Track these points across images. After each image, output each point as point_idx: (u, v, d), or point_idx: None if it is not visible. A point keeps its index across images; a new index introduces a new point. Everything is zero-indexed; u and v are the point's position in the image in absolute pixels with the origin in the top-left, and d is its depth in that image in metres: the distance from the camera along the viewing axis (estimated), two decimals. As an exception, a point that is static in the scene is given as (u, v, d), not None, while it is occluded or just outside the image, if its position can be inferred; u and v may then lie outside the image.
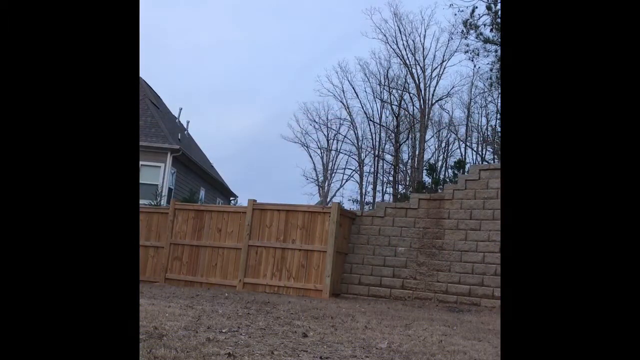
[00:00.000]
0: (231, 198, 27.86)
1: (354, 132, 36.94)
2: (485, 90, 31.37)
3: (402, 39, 33.56)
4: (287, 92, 58.60)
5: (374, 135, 35.61)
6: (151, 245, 11.88)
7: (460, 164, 25.04)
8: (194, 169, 21.62)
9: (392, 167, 33.66)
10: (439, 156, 35.24)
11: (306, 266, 10.62)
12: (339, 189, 38.87)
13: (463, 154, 34.00)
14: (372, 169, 35.68)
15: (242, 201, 27.58)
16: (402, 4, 53.45)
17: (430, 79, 33.09)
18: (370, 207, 31.28)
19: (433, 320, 7.09)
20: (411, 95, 33.73)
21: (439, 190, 19.69)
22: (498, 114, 30.87)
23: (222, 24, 64.32)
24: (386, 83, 34.68)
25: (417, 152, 32.37)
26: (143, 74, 25.71)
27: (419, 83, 33.02)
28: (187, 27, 64.50)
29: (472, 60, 28.44)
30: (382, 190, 35.22)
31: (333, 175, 39.32)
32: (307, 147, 39.31)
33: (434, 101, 33.26)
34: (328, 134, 39.07)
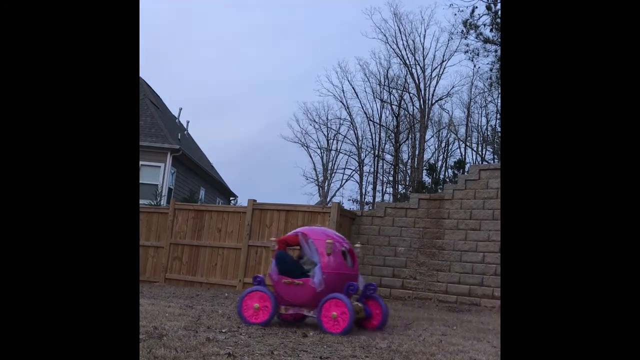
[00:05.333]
0: (231, 198, 27.86)
1: (354, 132, 36.95)
2: (485, 90, 31.40)
3: (402, 39, 33.57)
4: (287, 92, 58.63)
5: (373, 135, 35.62)
6: (151, 245, 11.87)
7: (460, 164, 25.02)
8: (194, 169, 21.63)
9: (392, 167, 33.65)
10: (439, 156, 35.27)
11: (306, 266, 10.61)
12: (339, 189, 38.85)
13: (463, 154, 34.03)
14: (372, 169, 35.68)
15: (242, 201, 27.60)
16: (402, 4, 53.58)
17: (430, 79, 33.09)
18: (370, 207, 31.29)
19: (433, 320, 7.09)
20: (411, 95, 33.74)
21: (439, 190, 19.67)
22: (498, 114, 30.89)
23: (222, 26, 64.35)
24: (386, 83, 34.68)
25: (417, 152, 32.37)
26: (144, 75, 25.72)
27: (419, 83, 33.02)
28: (189, 42, 64.51)
29: (472, 60, 28.51)
30: (382, 190, 35.24)
31: (333, 175, 39.30)
32: (307, 147, 39.31)
33: (433, 101, 33.26)
34: (328, 134, 39.06)
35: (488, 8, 21.07)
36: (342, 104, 40.08)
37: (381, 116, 35.38)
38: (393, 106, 34.37)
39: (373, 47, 64.68)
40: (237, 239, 11.18)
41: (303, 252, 5.52)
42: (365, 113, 36.03)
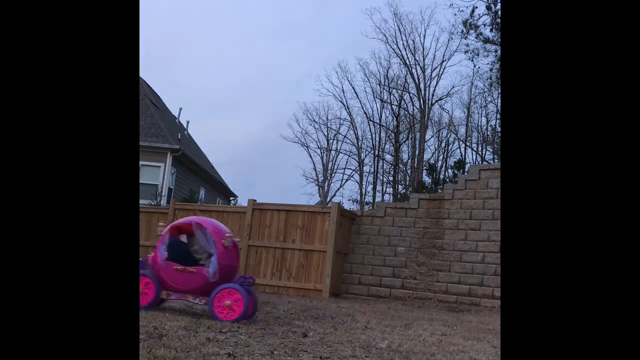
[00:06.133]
0: (231, 198, 27.87)
1: (354, 132, 36.96)
2: (485, 90, 31.42)
3: (402, 39, 33.59)
4: (287, 93, 58.63)
5: (373, 135, 35.63)
6: (151, 245, 11.85)
7: (460, 164, 25.03)
8: (194, 169, 21.63)
9: (392, 167, 33.66)
10: (439, 156, 35.28)
11: (306, 266, 10.61)
12: (339, 189, 38.87)
13: (463, 154, 34.04)
14: (372, 169, 35.70)
15: (242, 201, 27.60)
16: (402, 4, 53.70)
17: (430, 79, 33.11)
18: (370, 207, 31.27)
19: (433, 320, 7.09)
20: (411, 95, 33.76)
21: (439, 190, 19.67)
22: (498, 114, 30.90)
23: (221, 28, 64.33)
24: (386, 83, 34.69)
25: (417, 152, 32.38)
26: (144, 75, 25.71)
27: (419, 83, 33.03)
28: (189, 42, 64.49)
29: (472, 60, 28.47)
30: (382, 190, 35.25)
31: (333, 175, 39.31)
32: (307, 147, 39.32)
33: (433, 101, 33.28)
34: (328, 134, 39.08)
35: (488, 8, 21.08)
36: (342, 104, 40.10)
37: (381, 116, 35.41)
38: (393, 106, 34.39)
39: (373, 47, 64.63)
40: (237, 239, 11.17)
41: (195, 240, 5.65)
42: (365, 113, 36.06)
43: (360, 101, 51.88)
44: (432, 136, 35.05)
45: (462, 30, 23.76)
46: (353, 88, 39.02)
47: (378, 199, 33.78)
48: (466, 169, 23.77)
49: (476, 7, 22.56)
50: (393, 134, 34.08)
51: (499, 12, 19.70)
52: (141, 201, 14.98)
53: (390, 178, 34.29)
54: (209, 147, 52.52)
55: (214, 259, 5.41)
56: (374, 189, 35.02)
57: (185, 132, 24.12)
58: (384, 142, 35.25)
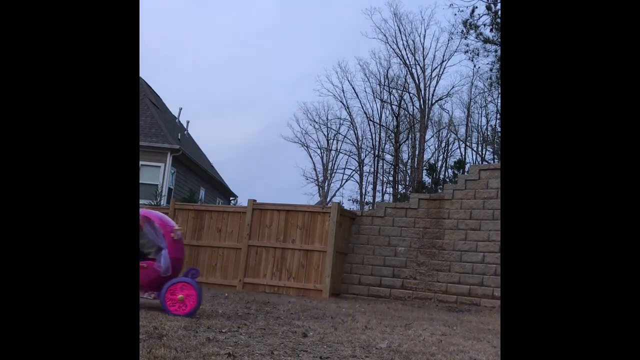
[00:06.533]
0: (231, 198, 27.88)
1: (354, 132, 36.97)
2: (485, 90, 31.43)
3: (402, 39, 33.62)
4: (287, 93, 58.64)
5: (374, 135, 35.65)
6: (151, 245, 11.87)
7: (460, 164, 25.05)
8: (194, 169, 21.63)
9: (392, 167, 33.67)
10: (439, 156, 35.30)
11: (306, 266, 10.62)
12: (339, 189, 38.89)
13: (463, 154, 34.05)
14: (372, 169, 35.71)
15: (242, 201, 27.61)
16: (402, 4, 53.81)
17: (430, 79, 33.12)
18: (370, 207, 31.27)
19: (433, 320, 7.09)
20: (411, 95, 33.77)
21: (439, 190, 19.68)
22: (498, 114, 30.91)
23: (221, 29, 64.31)
24: (386, 83, 34.71)
25: (417, 152, 32.39)
26: (144, 75, 25.71)
27: (419, 83, 33.05)
28: (189, 42, 64.50)
29: (472, 60, 28.50)
30: (382, 190, 35.26)
31: (333, 175, 39.31)
32: (307, 147, 39.33)
33: (433, 101, 33.30)
34: (328, 134, 39.09)
35: (488, 8, 21.09)
36: (342, 104, 40.15)
37: (381, 116, 35.42)
38: (393, 106, 34.40)
39: (373, 47, 64.65)
40: (237, 239, 11.17)
41: (142, 234, 5.56)
42: (365, 113, 36.08)
43: (360, 101, 51.94)
44: (432, 136, 35.11)
45: (462, 30, 23.78)
46: (353, 88, 39.06)
47: (378, 199, 33.79)
48: (466, 169, 23.77)
49: (476, 7, 22.61)
50: (393, 134, 34.09)
51: (499, 12, 19.70)
52: (141, 201, 14.98)
53: (390, 178, 34.31)
54: (209, 147, 52.56)
55: (165, 252, 5.33)
56: (374, 189, 35.04)
57: (185, 132, 24.12)
58: (384, 142, 35.28)
